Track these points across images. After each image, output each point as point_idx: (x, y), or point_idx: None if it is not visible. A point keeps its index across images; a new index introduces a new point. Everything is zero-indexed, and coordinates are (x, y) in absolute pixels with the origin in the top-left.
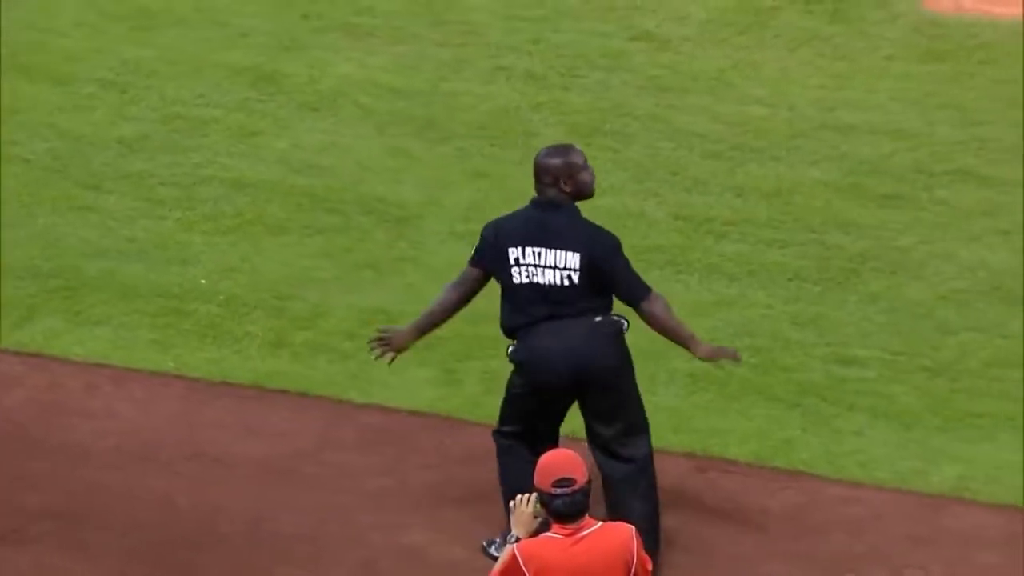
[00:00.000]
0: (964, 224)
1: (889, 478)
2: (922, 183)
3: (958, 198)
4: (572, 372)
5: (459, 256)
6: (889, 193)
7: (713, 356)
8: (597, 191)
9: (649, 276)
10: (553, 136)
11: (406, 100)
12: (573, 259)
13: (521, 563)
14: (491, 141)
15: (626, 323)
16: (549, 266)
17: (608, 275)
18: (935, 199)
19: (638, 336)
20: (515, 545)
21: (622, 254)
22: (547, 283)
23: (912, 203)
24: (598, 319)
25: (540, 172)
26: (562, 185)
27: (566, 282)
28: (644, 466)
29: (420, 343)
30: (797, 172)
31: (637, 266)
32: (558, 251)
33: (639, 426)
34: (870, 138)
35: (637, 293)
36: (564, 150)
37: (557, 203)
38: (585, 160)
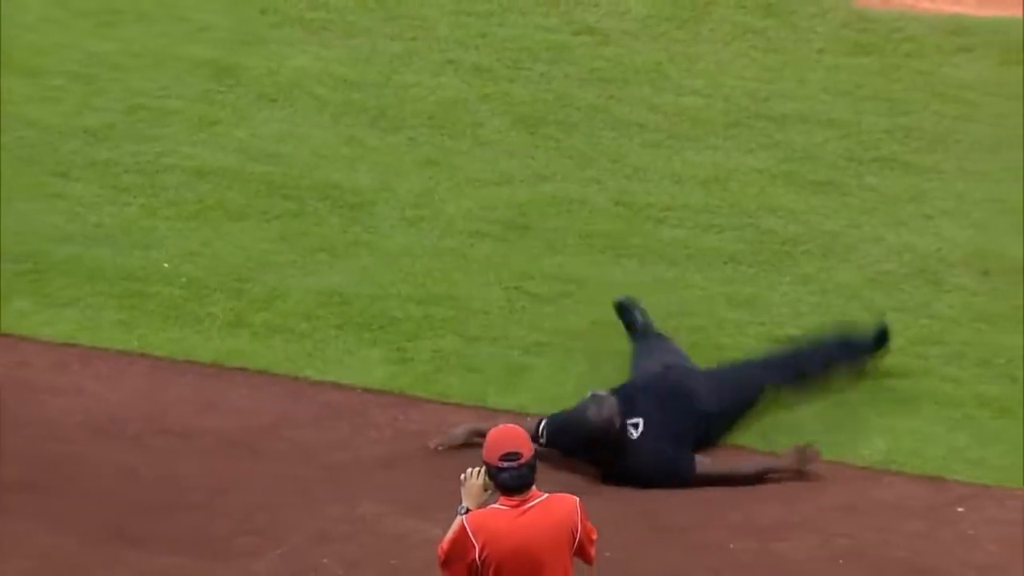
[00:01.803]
0: (891, 209)
1: (820, 451)
2: (851, 170)
3: (885, 185)
4: None
5: (410, 240)
6: (820, 180)
7: (798, 463)
8: (539, 179)
9: (591, 260)
10: (499, 126)
11: (359, 91)
12: None
13: (470, 533)
14: (440, 131)
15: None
16: None
17: None
18: (864, 186)
19: (581, 319)
20: (464, 516)
21: None
22: None
23: (842, 189)
24: None
25: None
26: None
27: None
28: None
29: (373, 324)
30: (732, 160)
31: (579, 251)
32: None
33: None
34: (802, 127)
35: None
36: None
37: None
38: None
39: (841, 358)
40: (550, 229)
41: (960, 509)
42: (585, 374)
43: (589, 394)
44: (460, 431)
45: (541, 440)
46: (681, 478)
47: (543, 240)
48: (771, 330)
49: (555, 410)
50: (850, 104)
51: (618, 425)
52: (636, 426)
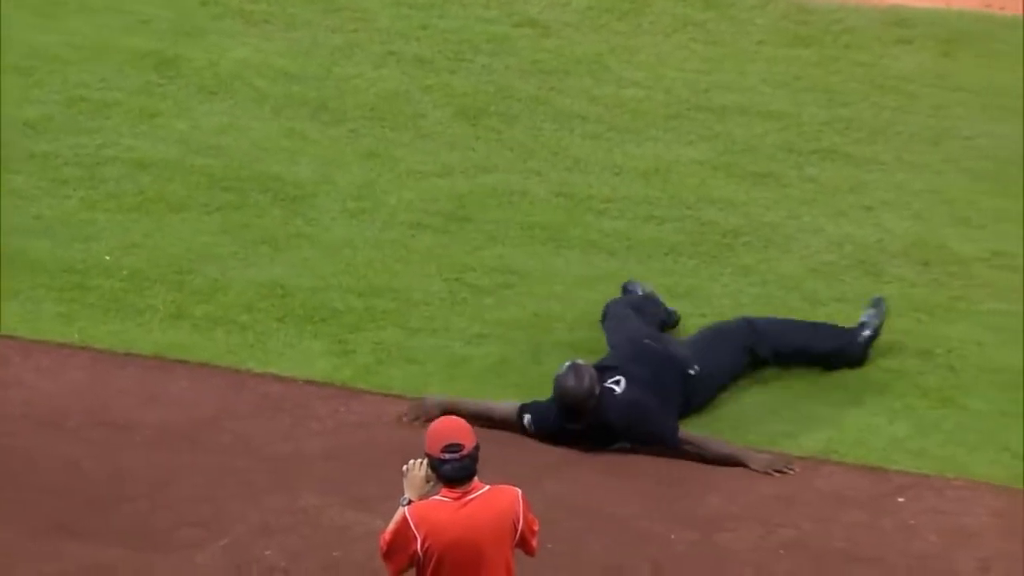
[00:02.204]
0: (831, 201)
1: (762, 441)
2: (791, 162)
3: (825, 176)
4: None
5: (351, 232)
6: (760, 171)
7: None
8: (480, 171)
9: (532, 251)
10: (441, 117)
11: (300, 84)
12: None
13: (412, 524)
14: (381, 123)
15: None
16: None
17: None
18: (804, 177)
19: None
20: (406, 507)
21: None
22: None
23: (782, 181)
24: None
25: None
26: None
27: None
28: None
29: (314, 316)
30: (673, 151)
31: (520, 243)
32: None
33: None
34: (742, 119)
35: None
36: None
37: None
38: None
39: (823, 354)
40: (491, 221)
41: (901, 499)
42: (527, 366)
43: (566, 365)
44: (434, 403)
45: (529, 428)
46: (666, 436)
47: (484, 232)
48: (712, 321)
49: (494, 400)
50: (790, 96)
51: (598, 392)
52: (618, 382)
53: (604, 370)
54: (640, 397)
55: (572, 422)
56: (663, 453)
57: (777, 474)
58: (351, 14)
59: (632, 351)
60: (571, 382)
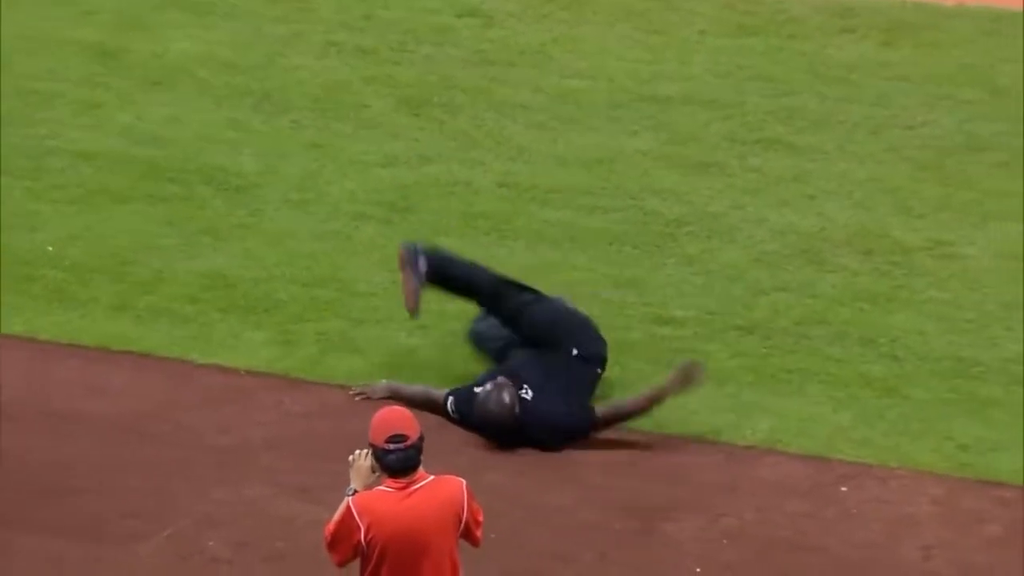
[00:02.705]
0: (774, 190)
1: (705, 431)
2: (735, 151)
3: (768, 165)
4: None
5: (295, 223)
6: (704, 161)
7: (682, 383)
8: (424, 161)
9: (475, 242)
10: (384, 108)
11: (244, 74)
12: None
13: (356, 515)
14: (325, 113)
15: None
16: None
17: None
18: (747, 167)
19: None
20: (350, 498)
21: None
22: None
23: (725, 170)
24: None
25: None
26: None
27: None
28: None
29: (258, 307)
30: (616, 141)
31: (463, 233)
32: None
33: None
34: (685, 109)
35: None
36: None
37: None
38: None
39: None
40: (434, 211)
41: (844, 488)
42: (470, 355)
43: (490, 385)
44: (382, 386)
45: (453, 415)
46: (583, 429)
47: (427, 222)
48: (656, 311)
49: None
50: (733, 85)
51: (518, 410)
52: (526, 391)
53: (512, 376)
54: (547, 405)
55: (498, 437)
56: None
57: (691, 384)
58: (294, 4)
59: (523, 355)
60: (493, 407)
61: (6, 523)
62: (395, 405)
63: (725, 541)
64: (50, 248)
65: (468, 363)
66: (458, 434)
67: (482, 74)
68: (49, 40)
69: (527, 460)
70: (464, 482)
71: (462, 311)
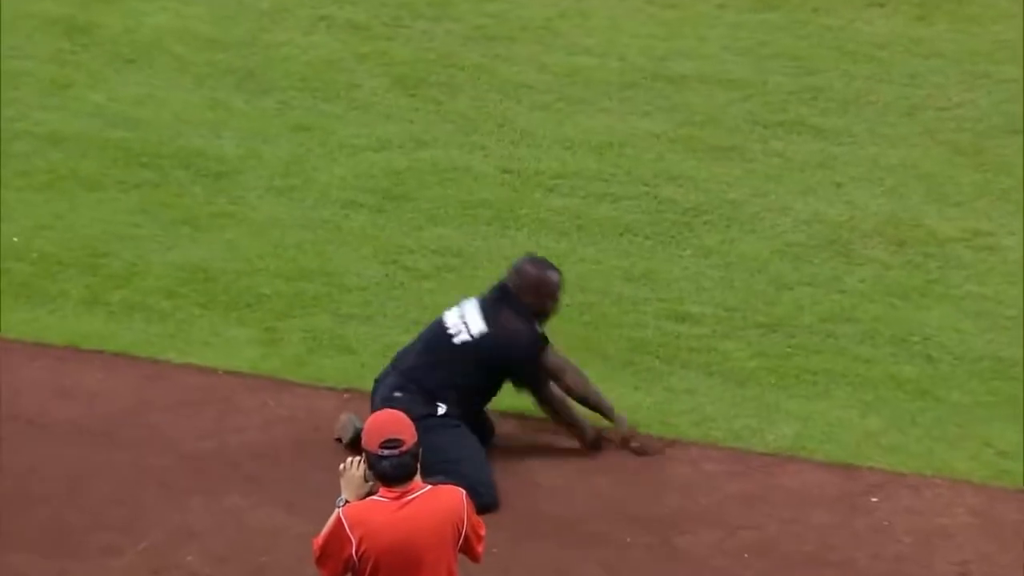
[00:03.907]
0: (799, 176)
1: (724, 437)
2: (756, 135)
3: (792, 150)
4: None
5: (279, 211)
6: (722, 145)
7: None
8: (419, 145)
9: (476, 232)
10: (377, 87)
11: (225, 51)
12: None
13: (346, 527)
14: (313, 93)
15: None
16: None
17: None
18: (769, 151)
19: (465, 295)
20: (341, 509)
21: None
22: None
23: (746, 155)
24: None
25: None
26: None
27: None
28: None
29: (240, 302)
30: (628, 124)
31: (462, 222)
32: None
33: None
34: (702, 88)
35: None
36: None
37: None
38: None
39: None
40: (431, 199)
41: (874, 499)
42: None
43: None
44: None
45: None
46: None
47: (423, 211)
48: (671, 307)
49: None
50: (754, 63)
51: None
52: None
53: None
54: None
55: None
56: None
57: (635, 453)
58: None
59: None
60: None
61: None
62: (390, 409)
63: (746, 556)
64: (15, 239)
65: None
66: None
67: (483, 51)
68: (12, 15)
69: (531, 467)
70: (464, 492)
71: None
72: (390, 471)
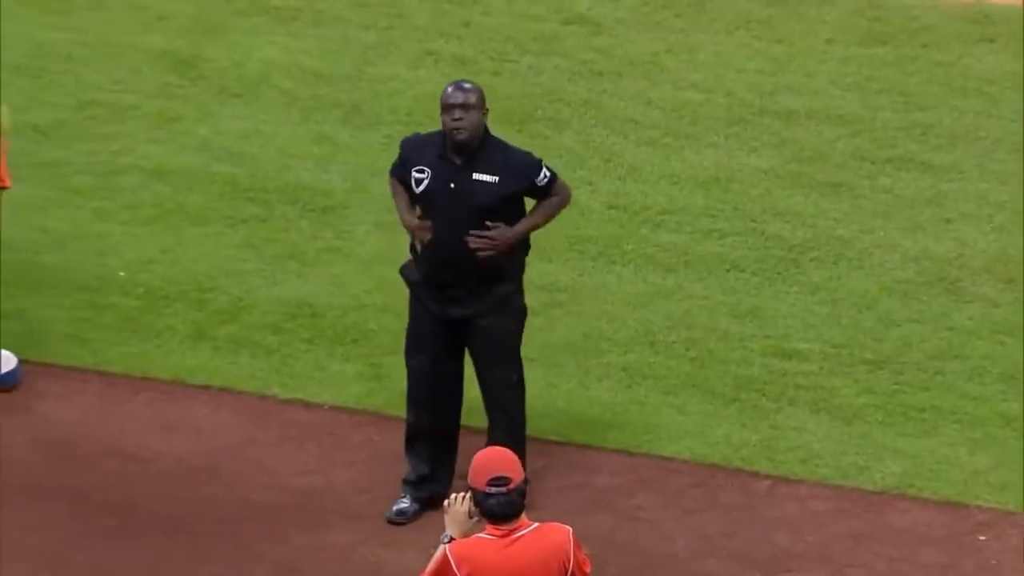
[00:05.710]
0: (907, 213)
1: (831, 474)
2: (864, 170)
3: (901, 186)
4: None
5: (386, 246)
6: (830, 181)
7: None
8: None
9: (582, 268)
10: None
11: (331, 85)
12: None
13: (453, 565)
14: (419, 127)
15: None
16: None
17: None
18: (877, 187)
19: (571, 331)
20: (447, 545)
21: None
22: None
23: (854, 191)
24: None
25: None
26: None
27: None
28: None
29: (346, 337)
30: (735, 159)
31: (568, 258)
32: None
33: None
34: (810, 124)
35: None
36: None
37: None
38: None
39: None
40: (537, 234)
41: (982, 537)
42: (575, 391)
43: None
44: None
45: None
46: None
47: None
48: (777, 343)
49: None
50: (862, 99)
51: None
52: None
53: None
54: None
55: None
56: None
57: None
58: (385, 10)
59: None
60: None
61: (67, 568)
62: (497, 446)
63: None
64: (122, 274)
65: (573, 398)
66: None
67: (590, 86)
68: (118, 48)
69: (638, 504)
70: (570, 530)
71: (567, 342)
72: (497, 509)
